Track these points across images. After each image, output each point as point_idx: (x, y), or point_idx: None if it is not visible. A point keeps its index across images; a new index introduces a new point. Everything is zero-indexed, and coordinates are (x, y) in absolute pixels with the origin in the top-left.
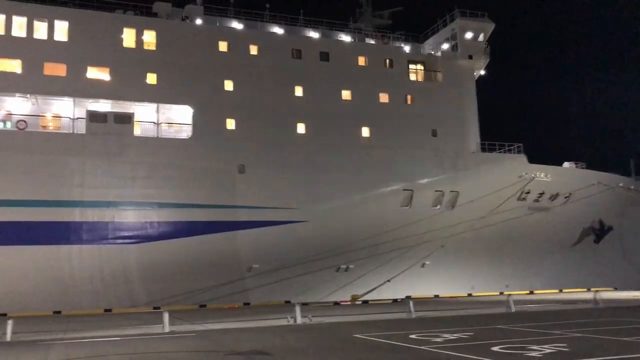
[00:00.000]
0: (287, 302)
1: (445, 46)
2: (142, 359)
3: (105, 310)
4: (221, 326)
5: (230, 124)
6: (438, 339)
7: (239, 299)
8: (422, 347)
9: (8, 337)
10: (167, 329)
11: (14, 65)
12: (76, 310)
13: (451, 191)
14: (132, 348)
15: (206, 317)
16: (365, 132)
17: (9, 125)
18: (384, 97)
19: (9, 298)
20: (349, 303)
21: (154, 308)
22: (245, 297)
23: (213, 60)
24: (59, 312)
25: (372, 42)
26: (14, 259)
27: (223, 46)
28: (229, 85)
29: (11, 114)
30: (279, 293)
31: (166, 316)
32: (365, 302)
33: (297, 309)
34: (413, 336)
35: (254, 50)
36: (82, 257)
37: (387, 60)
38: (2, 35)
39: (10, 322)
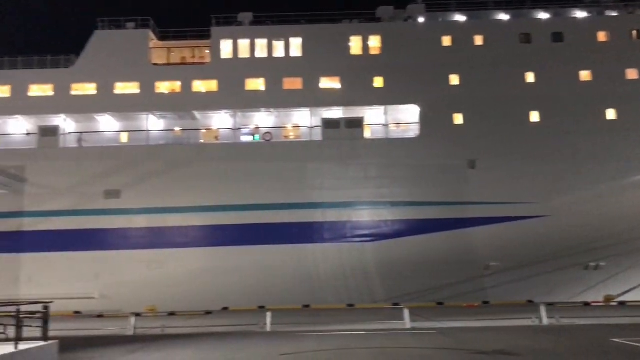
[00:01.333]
0: (530, 301)
1: None
2: (391, 353)
3: (348, 305)
4: (462, 324)
5: (458, 118)
6: None
7: (476, 297)
8: None
9: (268, 327)
10: (408, 325)
11: (259, 84)
12: (322, 305)
13: None
14: (379, 342)
15: (444, 315)
16: (611, 114)
17: (257, 138)
18: (632, 74)
19: (266, 293)
20: (602, 304)
21: (393, 304)
22: (483, 296)
23: (437, 57)
24: (308, 306)
25: (614, 14)
26: (269, 257)
27: (447, 41)
28: (454, 80)
29: (258, 128)
30: (520, 292)
31: (407, 313)
32: (621, 303)
33: (543, 308)
34: None
35: (478, 40)
36: (325, 255)
37: (634, 32)
38: (247, 58)
39: (269, 315)
